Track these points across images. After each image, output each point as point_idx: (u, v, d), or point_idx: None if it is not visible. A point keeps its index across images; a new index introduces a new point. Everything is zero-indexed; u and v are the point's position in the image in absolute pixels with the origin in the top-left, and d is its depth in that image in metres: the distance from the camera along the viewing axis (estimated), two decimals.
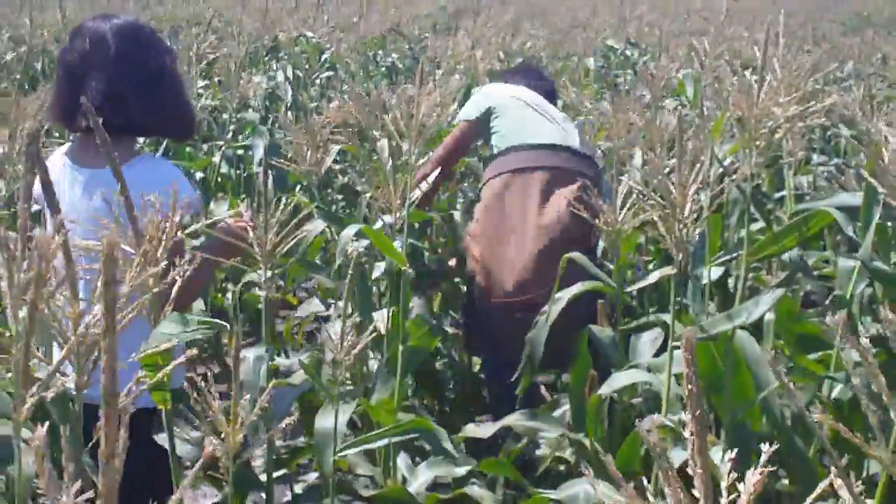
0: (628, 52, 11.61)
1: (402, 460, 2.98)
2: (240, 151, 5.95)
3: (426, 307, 4.20)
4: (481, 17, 12.52)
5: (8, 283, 1.01)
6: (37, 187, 2.63)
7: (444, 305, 4.46)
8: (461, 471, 2.73)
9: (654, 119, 3.67)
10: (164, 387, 1.67)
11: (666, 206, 2.21)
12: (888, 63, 9.67)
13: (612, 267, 3.06)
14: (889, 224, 2.79)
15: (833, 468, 1.03)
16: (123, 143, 2.52)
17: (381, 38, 11.55)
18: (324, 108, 6.88)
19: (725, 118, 3.49)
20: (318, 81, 8.71)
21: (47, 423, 0.91)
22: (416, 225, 4.16)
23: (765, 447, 0.98)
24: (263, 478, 2.54)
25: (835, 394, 2.75)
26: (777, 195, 4.58)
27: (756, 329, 2.71)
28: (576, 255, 3.02)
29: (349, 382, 3.16)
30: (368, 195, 3.01)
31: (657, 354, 2.90)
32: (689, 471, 0.96)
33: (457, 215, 4.31)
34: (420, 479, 2.83)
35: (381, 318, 3.12)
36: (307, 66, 9.18)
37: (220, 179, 5.81)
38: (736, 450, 2.36)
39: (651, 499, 1.08)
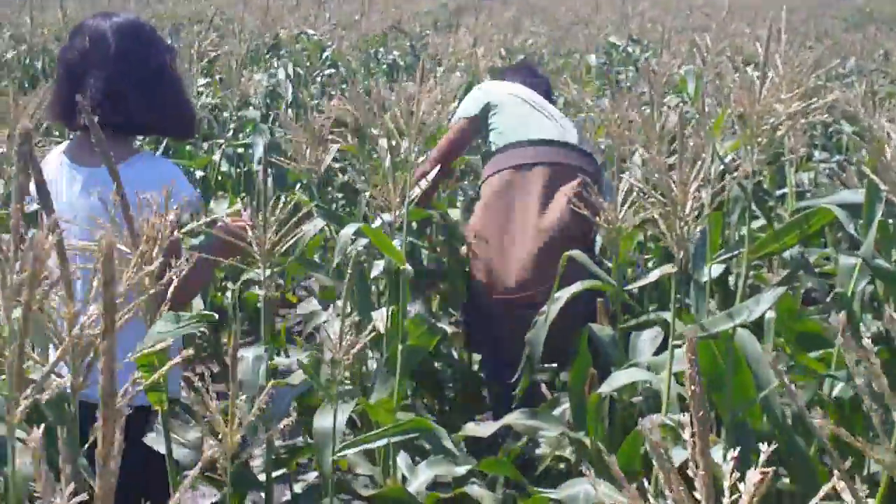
0: (630, 49, 11.60)
1: (402, 459, 2.97)
2: (240, 150, 5.94)
3: (425, 306, 4.20)
4: (482, 15, 12.51)
5: (1, 284, 1.00)
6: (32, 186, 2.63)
7: (444, 304, 4.45)
8: (461, 470, 2.72)
9: (654, 116, 3.65)
10: (160, 388, 1.66)
11: (667, 204, 2.20)
12: (890, 59, 9.65)
13: (610, 265, 3.05)
14: (891, 221, 2.78)
15: (836, 472, 1.02)
16: (123, 142, 2.51)
17: (382, 35, 11.54)
18: (325, 106, 6.89)
19: (726, 115, 3.48)
20: (319, 79, 8.70)
21: (43, 425, 0.90)
22: (415, 224, 4.14)
23: (764, 447, 0.97)
24: (262, 477, 2.53)
25: (836, 392, 2.74)
26: (778, 192, 4.57)
27: (757, 327, 2.70)
28: (576, 253, 3.01)
29: (348, 382, 3.15)
30: (368, 193, 2.99)
31: (657, 353, 2.89)
32: (690, 472, 0.95)
33: (455, 213, 4.29)
34: (420, 478, 2.82)
35: (379, 318, 3.11)
36: (308, 64, 9.17)
37: (220, 178, 5.80)
38: (737, 449, 2.36)
39: (652, 499, 1.07)
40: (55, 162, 2.56)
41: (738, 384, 2.46)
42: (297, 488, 3.17)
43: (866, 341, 1.16)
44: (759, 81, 2.41)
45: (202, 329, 3.61)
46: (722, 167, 2.74)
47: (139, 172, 2.37)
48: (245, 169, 5.98)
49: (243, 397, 1.56)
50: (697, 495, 0.95)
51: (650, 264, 3.99)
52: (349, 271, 2.44)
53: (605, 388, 2.69)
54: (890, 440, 2.05)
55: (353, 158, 3.36)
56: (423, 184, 3.06)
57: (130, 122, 2.51)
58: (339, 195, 5.80)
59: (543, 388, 4.05)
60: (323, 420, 2.47)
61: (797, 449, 2.50)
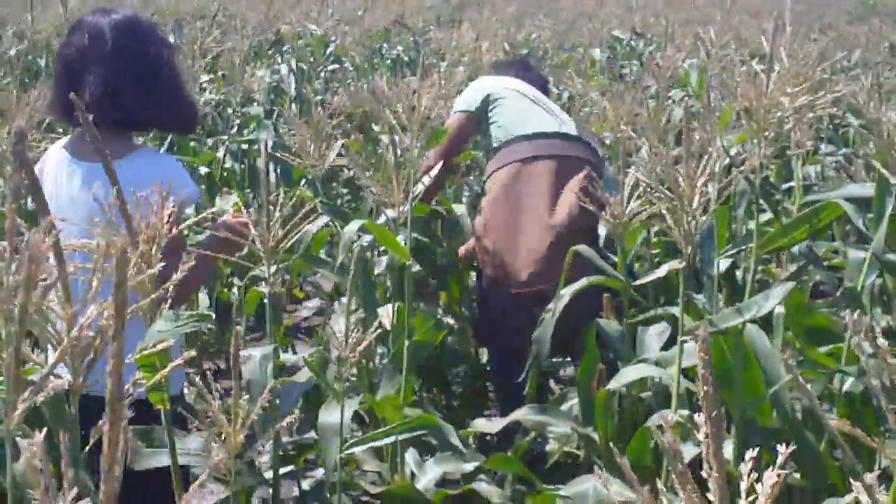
0: (634, 43, 11.57)
1: (411, 456, 2.96)
2: (244, 146, 5.92)
3: (434, 302, 4.18)
4: (486, 9, 12.49)
5: None
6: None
7: (451, 300, 4.43)
8: (469, 467, 2.71)
9: (657, 109, 3.63)
10: (162, 388, 1.65)
11: (674, 199, 2.18)
12: None
13: (615, 258, 3.03)
14: None
15: (859, 483, 1.00)
16: (122, 138, 2.51)
17: (385, 30, 11.52)
18: (329, 101, 6.87)
19: (732, 109, 3.46)
20: (322, 74, 8.68)
21: (45, 429, 0.88)
22: (427, 220, 4.11)
23: (782, 448, 0.95)
24: (270, 474, 2.51)
25: (846, 387, 2.71)
26: (785, 186, 4.55)
27: (765, 322, 2.68)
28: (583, 248, 2.99)
29: (354, 377, 3.13)
30: (370, 189, 2.97)
31: (664, 347, 2.87)
32: (704, 473, 0.93)
33: (460, 209, 4.27)
34: (428, 475, 2.81)
35: (385, 314, 3.10)
36: (312, 59, 9.15)
37: (224, 174, 5.78)
38: (746, 444, 2.33)
39: (663, 496, 1.05)
40: (56, 157, 2.56)
41: (747, 380, 2.44)
42: (305, 485, 3.15)
43: (881, 340, 1.14)
44: (765, 75, 2.39)
45: (209, 325, 3.60)
46: (728, 161, 2.72)
47: (139, 169, 2.36)
48: (250, 164, 5.95)
49: (246, 397, 1.55)
50: (710, 496, 0.93)
51: (655, 259, 3.97)
52: (353, 268, 2.42)
53: (614, 384, 2.67)
54: None
55: (353, 154, 3.34)
56: (426, 180, 3.04)
57: (129, 118, 2.50)
58: (344, 191, 5.78)
59: (551, 382, 4.04)
60: (328, 416, 2.46)
61: (807, 445, 2.48)
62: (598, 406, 2.82)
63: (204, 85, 7.08)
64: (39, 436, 0.80)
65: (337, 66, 9.11)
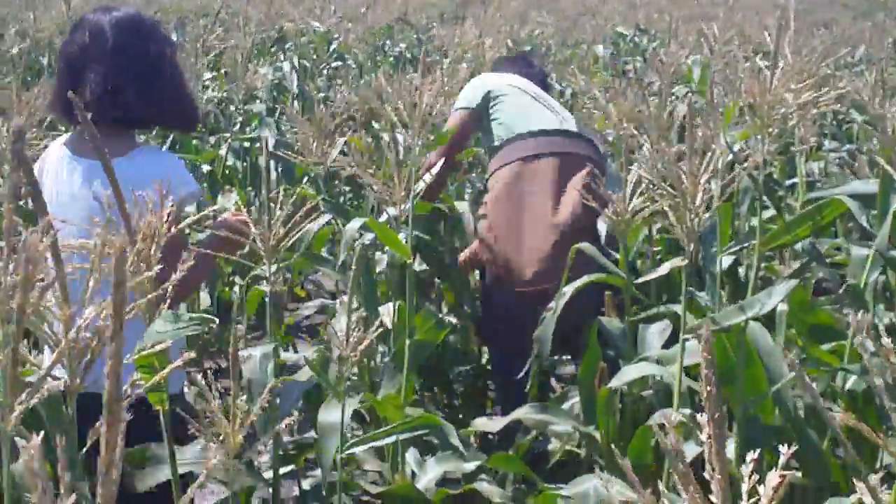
0: (637, 39, 11.54)
1: (411, 455, 2.95)
2: (246, 143, 5.92)
3: (437, 301, 4.17)
4: (490, 6, 12.46)
5: None
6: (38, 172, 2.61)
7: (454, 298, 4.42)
8: (470, 466, 2.70)
9: (660, 106, 3.62)
10: (160, 388, 1.64)
11: (677, 196, 2.17)
12: None
13: (617, 255, 3.03)
14: None
15: (862, 484, 0.99)
16: (124, 136, 2.51)
17: (388, 27, 11.50)
18: (332, 99, 6.86)
19: (737, 105, 3.45)
20: (325, 72, 8.67)
21: (42, 432, 0.87)
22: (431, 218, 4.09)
23: (784, 449, 0.94)
24: (270, 474, 2.51)
25: (849, 385, 2.70)
26: (788, 182, 4.54)
27: (768, 319, 2.67)
28: (585, 245, 2.98)
29: (355, 376, 3.13)
30: (373, 187, 2.96)
31: (666, 345, 2.87)
32: (706, 475, 0.93)
33: (462, 206, 4.25)
34: (429, 474, 2.80)
35: (386, 312, 3.09)
36: (315, 57, 9.14)
37: (226, 172, 5.78)
38: (748, 442, 2.32)
39: (665, 496, 1.04)
40: (56, 154, 2.55)
41: (749, 378, 2.43)
42: (306, 485, 3.14)
43: (886, 340, 1.13)
44: (769, 71, 2.38)
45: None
46: (731, 157, 2.71)
47: (140, 167, 2.36)
48: (252, 162, 5.95)
49: (244, 397, 1.54)
50: (713, 498, 0.92)
51: (657, 256, 3.96)
52: (354, 266, 2.41)
53: (616, 382, 2.66)
54: None
55: (355, 152, 3.33)
56: (427, 177, 3.03)
57: (130, 116, 2.50)
58: (347, 188, 5.77)
59: (552, 381, 4.03)
60: (328, 415, 2.45)
61: (810, 443, 2.47)
62: (599, 405, 2.82)
63: (206, 83, 7.08)
64: (37, 439, 0.79)
65: (340, 63, 9.10)
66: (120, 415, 0.78)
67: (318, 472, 3.22)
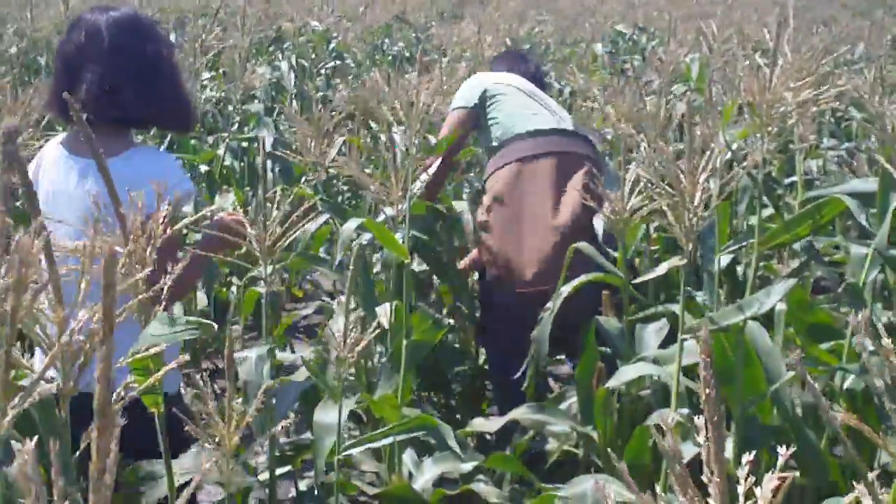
0: (636, 38, 11.53)
1: (408, 456, 2.94)
2: (244, 143, 5.90)
3: (436, 301, 4.16)
4: (488, 5, 12.46)
5: None
6: (29, 176, 2.60)
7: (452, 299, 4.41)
8: (467, 467, 2.69)
9: (658, 105, 3.61)
10: (155, 391, 1.63)
11: (675, 195, 2.16)
12: None
13: (615, 254, 3.02)
14: None
15: (859, 485, 0.98)
16: (121, 135, 2.50)
17: (386, 26, 11.49)
18: (331, 98, 6.85)
19: (735, 103, 3.44)
20: (323, 71, 8.66)
21: (36, 437, 0.87)
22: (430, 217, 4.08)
23: (782, 450, 0.93)
24: (266, 475, 2.50)
25: (847, 384, 2.70)
26: (787, 181, 4.53)
27: (766, 318, 2.66)
28: (583, 245, 2.97)
29: (352, 376, 3.12)
30: (370, 187, 2.95)
31: (663, 344, 2.86)
32: (704, 478, 0.92)
33: (460, 205, 4.24)
34: (426, 475, 2.79)
35: (383, 313, 3.08)
36: (313, 56, 9.12)
37: (224, 171, 5.77)
38: (746, 442, 2.31)
39: (661, 494, 1.03)
40: (52, 153, 2.55)
41: (748, 377, 2.43)
42: (302, 485, 3.13)
43: (886, 340, 1.12)
44: (769, 69, 2.37)
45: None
46: (729, 155, 2.70)
47: (136, 167, 2.36)
48: (250, 162, 5.93)
49: (240, 399, 1.53)
50: (711, 501, 0.92)
51: (655, 255, 3.96)
52: (352, 266, 2.40)
53: (614, 382, 2.66)
54: None
55: (351, 152, 3.33)
56: (424, 177, 3.02)
57: (128, 116, 2.49)
58: (345, 188, 5.76)
59: (550, 381, 4.02)
60: (323, 415, 2.44)
61: (808, 442, 2.47)
62: (597, 405, 2.81)
63: (205, 82, 7.06)
64: (30, 444, 0.78)
65: (338, 62, 9.09)
66: (111, 420, 0.78)
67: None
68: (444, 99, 4.07)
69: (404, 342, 2.87)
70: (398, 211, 2.89)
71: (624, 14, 13.87)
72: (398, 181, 2.81)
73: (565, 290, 2.86)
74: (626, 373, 2.62)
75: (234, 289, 4.79)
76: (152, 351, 1.35)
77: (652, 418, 2.48)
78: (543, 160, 3.66)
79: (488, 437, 3.39)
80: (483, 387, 4.17)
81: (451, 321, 4.04)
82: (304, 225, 2.26)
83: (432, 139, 4.22)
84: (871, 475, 1.09)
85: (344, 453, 2.39)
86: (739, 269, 3.67)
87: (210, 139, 6.21)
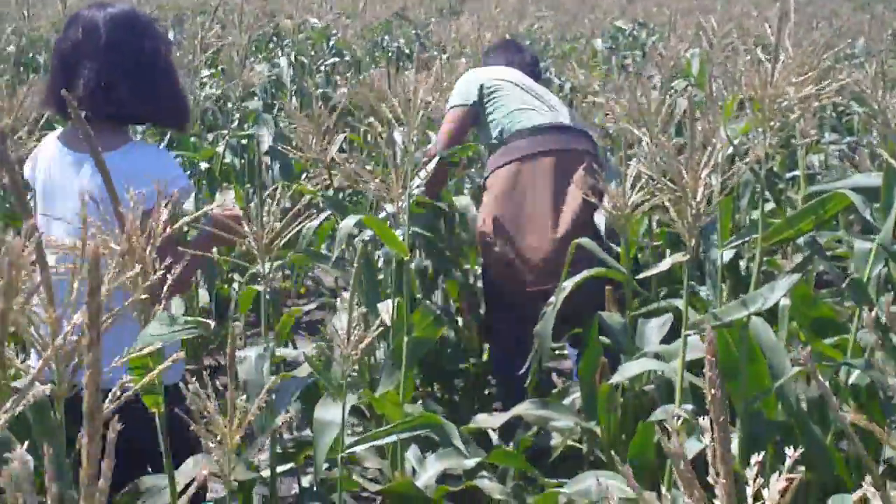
0: (636, 33, 11.52)
1: (412, 452, 2.93)
2: (244, 140, 5.89)
3: (443, 297, 4.15)
4: (487, 0, 12.43)
5: None
6: (27, 172, 2.59)
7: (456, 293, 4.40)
8: (470, 463, 2.68)
9: (663, 100, 3.59)
10: (155, 390, 1.61)
11: (677, 191, 2.15)
12: None
13: (619, 250, 3.00)
14: None
15: (864, 484, 0.96)
16: (118, 131, 2.50)
17: (386, 22, 11.47)
18: (330, 95, 6.83)
19: (736, 99, 3.42)
20: (323, 68, 8.64)
21: (27, 442, 0.85)
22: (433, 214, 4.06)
23: (790, 451, 0.92)
24: (269, 472, 2.48)
25: (852, 379, 2.68)
26: (788, 175, 4.51)
27: (770, 313, 2.65)
28: (586, 241, 2.96)
29: (355, 372, 3.10)
30: (370, 185, 2.93)
31: (665, 339, 2.84)
32: (710, 479, 0.90)
33: (462, 201, 4.23)
34: (429, 471, 2.78)
35: (385, 309, 3.06)
36: (313, 53, 9.11)
37: (224, 169, 5.75)
38: (751, 437, 2.30)
39: (665, 491, 1.02)
40: (50, 148, 2.55)
41: (752, 373, 2.41)
42: (305, 482, 3.12)
43: None
44: (771, 64, 2.36)
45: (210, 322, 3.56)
46: (731, 151, 2.68)
47: (133, 161, 2.36)
48: (250, 159, 5.92)
49: (243, 397, 1.52)
50: (717, 502, 0.90)
51: (658, 250, 3.94)
52: (356, 263, 2.39)
53: (617, 378, 2.64)
54: None
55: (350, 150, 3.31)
56: (423, 174, 3.01)
57: (123, 112, 2.49)
58: (346, 184, 5.73)
59: (553, 376, 4.01)
60: (324, 412, 2.42)
61: (813, 438, 2.45)
62: (600, 400, 2.80)
63: (204, 80, 7.05)
64: (21, 449, 0.77)
65: (337, 59, 9.07)
66: (100, 426, 0.76)
67: None
68: (443, 95, 4.05)
69: (405, 339, 2.85)
70: (399, 208, 2.88)
71: (624, 9, 13.86)
72: (398, 178, 2.79)
73: (568, 285, 2.84)
74: (630, 368, 2.61)
75: (235, 285, 4.78)
76: (147, 350, 1.34)
77: (656, 414, 2.47)
78: (543, 159, 3.64)
79: (492, 432, 3.38)
80: (486, 382, 4.16)
81: (460, 318, 4.03)
82: (301, 223, 2.24)
83: (432, 135, 4.20)
84: (876, 470, 1.07)
85: (348, 451, 2.37)
86: (742, 263, 3.65)
87: (210, 136, 6.19)
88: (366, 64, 8.69)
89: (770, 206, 3.75)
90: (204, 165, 5.51)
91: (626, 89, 3.91)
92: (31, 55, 8.53)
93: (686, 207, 2.14)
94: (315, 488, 2.75)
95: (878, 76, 3.56)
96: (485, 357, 4.16)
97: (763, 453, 0.96)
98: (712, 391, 0.85)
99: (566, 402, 3.06)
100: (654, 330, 2.93)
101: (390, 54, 9.72)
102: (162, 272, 1.51)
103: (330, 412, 2.39)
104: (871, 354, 2.60)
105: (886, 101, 2.87)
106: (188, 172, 4.92)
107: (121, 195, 1.65)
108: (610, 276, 2.89)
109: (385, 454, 3.06)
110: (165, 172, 2.24)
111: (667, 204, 2.18)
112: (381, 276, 3.76)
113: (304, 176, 5.25)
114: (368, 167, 3.18)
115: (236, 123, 6.02)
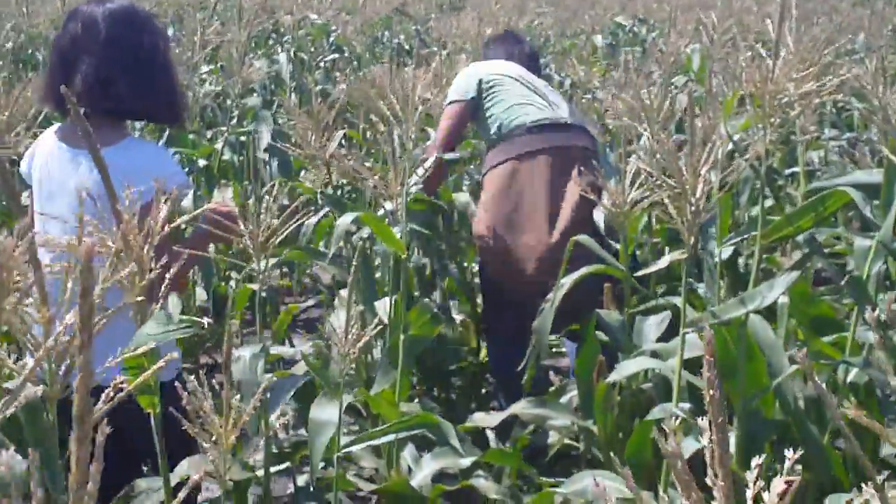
0: (636, 29, 11.50)
1: (407, 451, 2.92)
2: (243, 137, 5.88)
3: (441, 296, 4.14)
4: None
5: None
6: (24, 167, 2.59)
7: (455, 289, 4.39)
8: (467, 462, 2.66)
9: (663, 96, 3.58)
10: (150, 391, 1.60)
11: (676, 188, 2.14)
12: None
13: (618, 246, 2.99)
14: None
15: (866, 486, 0.96)
16: (116, 127, 2.50)
17: (386, 18, 11.46)
18: (330, 91, 6.82)
19: (737, 95, 3.41)
20: (323, 64, 8.63)
21: (12, 448, 0.84)
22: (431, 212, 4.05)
23: (790, 453, 0.91)
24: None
25: (850, 377, 2.67)
26: (787, 171, 4.50)
27: (769, 311, 2.64)
28: (584, 238, 2.95)
29: (352, 371, 3.09)
30: (369, 182, 2.92)
31: (663, 337, 2.83)
32: (708, 481, 0.89)
33: (461, 197, 4.22)
34: (425, 470, 2.76)
35: (382, 307, 3.05)
36: (312, 49, 9.09)
37: (223, 166, 5.74)
38: (748, 436, 2.29)
39: (662, 491, 1.01)
40: (47, 143, 2.54)
41: (750, 372, 2.40)
42: (300, 482, 3.11)
43: None
44: (771, 60, 2.34)
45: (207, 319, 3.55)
46: (731, 147, 2.67)
47: (130, 157, 2.36)
48: (250, 156, 5.90)
49: (237, 397, 1.51)
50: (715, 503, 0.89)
51: (657, 246, 3.93)
52: (354, 261, 2.38)
53: (615, 376, 2.63)
54: None
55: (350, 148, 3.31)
56: (420, 170, 3.00)
57: (121, 108, 2.49)
58: (345, 181, 5.72)
59: (551, 374, 4.00)
60: (319, 412, 2.41)
61: (811, 437, 2.44)
62: (597, 399, 2.79)
63: (204, 76, 7.04)
64: (7, 453, 0.76)
65: (337, 55, 9.06)
66: (90, 431, 0.75)
67: None
68: (442, 92, 4.04)
69: (402, 337, 2.84)
70: (397, 205, 2.87)
71: (624, 5, 13.83)
72: (397, 175, 2.78)
73: (566, 282, 2.83)
74: (628, 367, 2.60)
75: (232, 283, 4.77)
76: (141, 350, 1.33)
77: (653, 413, 2.46)
78: (540, 157, 3.63)
79: (489, 430, 3.37)
80: (483, 381, 4.15)
81: (459, 316, 4.02)
82: (297, 221, 2.23)
83: (431, 132, 4.19)
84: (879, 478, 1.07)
85: (344, 451, 2.36)
86: (741, 260, 3.64)
87: (209, 133, 6.17)
88: (366, 60, 8.68)
89: (769, 202, 3.74)
90: (202, 162, 5.50)
91: (628, 85, 3.91)
92: (29, 52, 8.52)
93: (685, 204, 2.13)
94: (311, 488, 2.74)
95: (878, 72, 3.55)
96: (482, 355, 4.15)
97: (763, 455, 0.95)
98: (711, 392, 0.84)
99: (563, 400, 3.05)
100: (651, 327, 2.92)
101: (391, 51, 9.71)
102: (158, 271, 1.50)
103: (326, 411, 2.38)
104: (869, 352, 2.59)
105: (886, 97, 2.86)
106: (186, 169, 4.90)
107: (118, 192, 1.64)
108: (608, 273, 2.88)
109: (381, 453, 3.05)
110: (163, 169, 2.23)
111: (666, 201, 2.17)
112: (378, 274, 3.76)
113: (302, 173, 5.24)
114: (367, 164, 3.17)
115: (235, 120, 6.01)
